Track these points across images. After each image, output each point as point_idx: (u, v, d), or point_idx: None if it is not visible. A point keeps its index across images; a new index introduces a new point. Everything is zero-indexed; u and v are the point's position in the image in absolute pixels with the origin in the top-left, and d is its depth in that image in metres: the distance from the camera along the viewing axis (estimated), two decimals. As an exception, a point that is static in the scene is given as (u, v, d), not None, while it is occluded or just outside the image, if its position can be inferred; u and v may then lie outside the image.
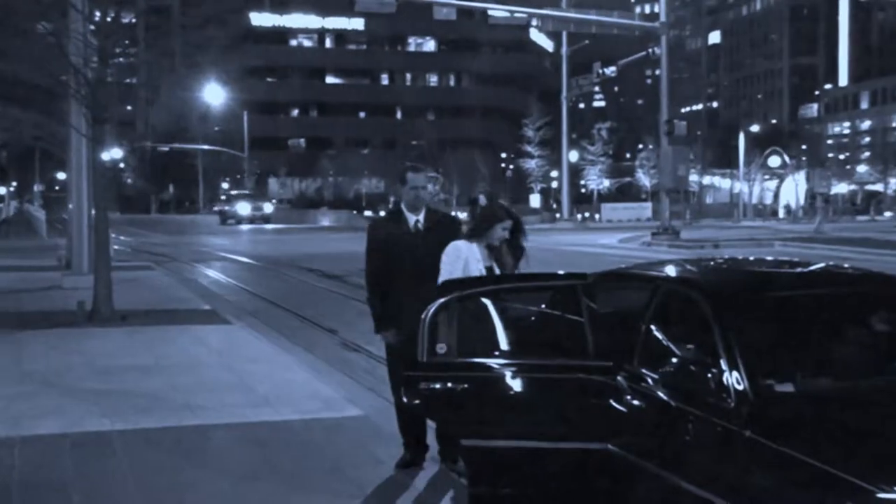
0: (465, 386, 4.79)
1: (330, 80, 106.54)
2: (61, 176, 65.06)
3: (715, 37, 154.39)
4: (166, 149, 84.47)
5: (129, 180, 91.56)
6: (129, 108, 15.28)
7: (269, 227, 59.05)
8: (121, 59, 13.92)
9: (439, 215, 6.20)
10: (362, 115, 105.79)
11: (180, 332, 11.90)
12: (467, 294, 5.09)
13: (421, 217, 5.94)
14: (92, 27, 13.33)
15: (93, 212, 14.79)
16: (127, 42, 13.85)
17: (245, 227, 59.43)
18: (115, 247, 24.00)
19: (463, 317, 5.01)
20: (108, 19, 13.23)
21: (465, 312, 5.05)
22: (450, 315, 4.93)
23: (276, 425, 7.14)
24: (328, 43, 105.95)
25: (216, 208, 71.12)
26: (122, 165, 78.34)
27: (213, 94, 57.86)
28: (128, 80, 15.59)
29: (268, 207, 68.17)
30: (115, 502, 5.46)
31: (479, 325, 5.19)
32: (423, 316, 4.87)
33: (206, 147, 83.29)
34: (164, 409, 7.58)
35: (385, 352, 6.18)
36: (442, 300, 4.94)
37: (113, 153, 14.13)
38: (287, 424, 7.16)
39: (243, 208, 65.61)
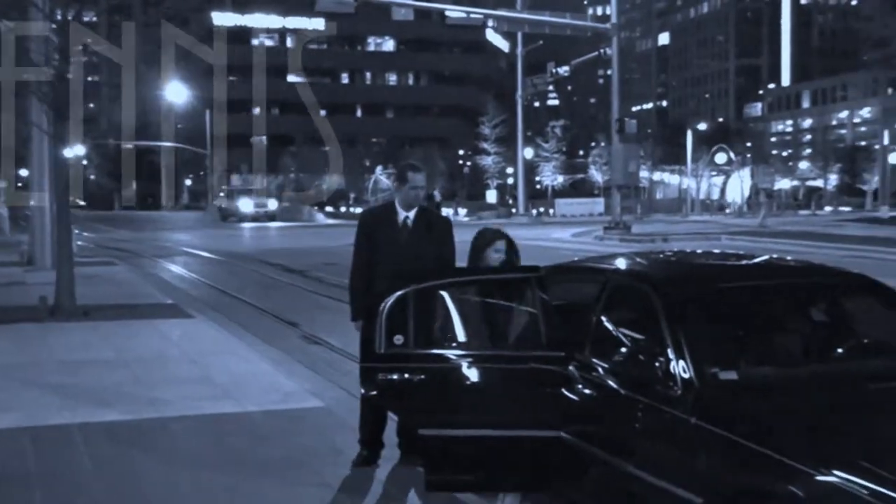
0: (422, 376, 4.78)
1: (291, 78, 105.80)
2: (24, 173, 63.84)
3: (664, 38, 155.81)
4: (129, 146, 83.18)
5: (92, 177, 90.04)
6: (91, 105, 15.01)
7: (273, 225, 51.64)
8: (83, 58, 13.67)
9: (432, 216, 6.12)
10: (323, 113, 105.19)
11: (143, 327, 11.75)
12: (424, 287, 5.07)
13: (411, 215, 5.85)
14: (53, 25, 13.09)
15: (54, 208, 14.54)
16: (88, 40, 13.60)
17: (248, 225, 51.63)
18: (79, 243, 23.66)
19: (420, 309, 4.99)
20: (69, 18, 12.98)
21: (422, 305, 5.03)
22: (407, 307, 4.91)
23: (238, 417, 7.07)
24: (289, 42, 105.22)
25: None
26: (84, 162, 76.88)
27: (176, 92, 57.01)
28: (90, 78, 15.33)
29: (272, 204, 60.33)
30: (76, 494, 5.37)
31: (436, 317, 5.18)
32: (380, 308, 4.85)
33: (168, 144, 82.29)
34: (126, 403, 7.47)
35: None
36: (399, 293, 4.92)
37: (76, 150, 13.89)
38: (248, 416, 7.09)
39: (245, 205, 57.94)
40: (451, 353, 4.94)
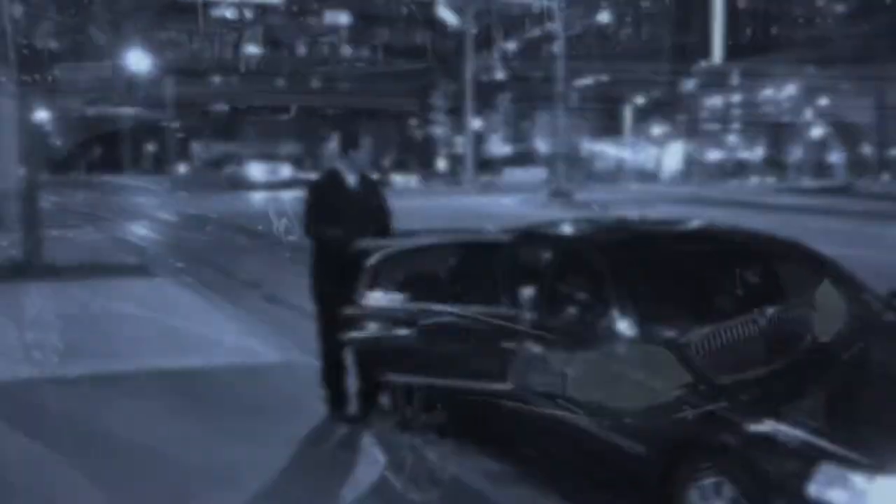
0: (392, 329, 4.84)
1: (250, 49, 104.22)
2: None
3: (605, 17, 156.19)
4: (92, 112, 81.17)
5: (56, 142, 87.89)
6: (56, 71, 14.62)
7: (285, 194, 44.28)
8: (48, 25, 13.30)
9: (368, 179, 6.26)
10: (281, 83, 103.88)
11: (109, 286, 11.54)
12: (397, 249, 5.13)
13: (357, 179, 5.92)
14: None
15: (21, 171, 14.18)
16: (54, 8, 13.22)
17: (258, 194, 40.56)
18: (45, 205, 23.09)
19: (393, 269, 5.04)
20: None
21: (395, 265, 5.08)
22: (386, 266, 4.97)
23: (201, 372, 6.99)
24: (248, 14, 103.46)
25: (226, 171, 53.10)
26: (48, 127, 74.74)
27: (138, 61, 55.68)
28: (55, 45, 14.91)
29: (286, 171, 49.91)
30: (38, 447, 5.28)
31: (406, 276, 5.23)
32: (364, 264, 4.94)
33: (131, 110, 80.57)
34: (93, 357, 7.36)
35: (315, 302, 5.95)
36: (382, 253, 5.00)
37: (40, 114, 13.55)
38: (211, 371, 7.02)
39: (256, 171, 48.87)
40: (417, 308, 4.98)
